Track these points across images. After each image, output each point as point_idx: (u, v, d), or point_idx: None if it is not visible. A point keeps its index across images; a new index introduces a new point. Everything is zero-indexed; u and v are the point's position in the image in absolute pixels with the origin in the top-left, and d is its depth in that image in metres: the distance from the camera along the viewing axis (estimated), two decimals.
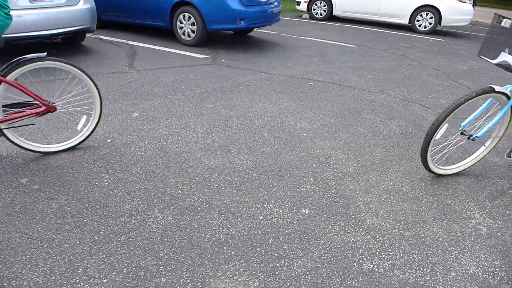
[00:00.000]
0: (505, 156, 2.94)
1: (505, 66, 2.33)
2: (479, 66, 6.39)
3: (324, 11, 10.66)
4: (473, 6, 9.65)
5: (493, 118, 2.46)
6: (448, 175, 2.69)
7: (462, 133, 2.50)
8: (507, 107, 2.42)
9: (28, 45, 5.32)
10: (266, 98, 3.97)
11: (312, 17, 10.91)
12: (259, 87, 4.35)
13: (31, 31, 4.25)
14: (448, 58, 6.83)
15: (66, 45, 5.53)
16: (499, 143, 2.67)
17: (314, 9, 10.82)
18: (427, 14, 9.48)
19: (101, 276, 1.65)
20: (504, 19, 2.29)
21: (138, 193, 2.24)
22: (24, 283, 1.59)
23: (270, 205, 2.22)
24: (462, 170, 2.72)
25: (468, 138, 2.50)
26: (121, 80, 4.21)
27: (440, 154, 2.78)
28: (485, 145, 2.71)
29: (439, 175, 2.66)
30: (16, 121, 2.41)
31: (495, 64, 2.36)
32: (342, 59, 6.04)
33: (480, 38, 9.94)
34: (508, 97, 2.40)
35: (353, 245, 1.95)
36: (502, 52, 2.32)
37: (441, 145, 2.85)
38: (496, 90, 2.35)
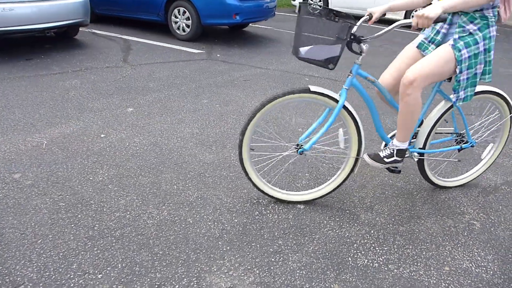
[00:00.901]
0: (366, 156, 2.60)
1: (307, 59, 1.90)
2: None
3: (320, 6, 10.64)
4: None
5: (322, 128, 2.01)
6: (303, 201, 2.20)
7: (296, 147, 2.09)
8: (335, 113, 1.97)
9: (20, 39, 5.25)
10: (262, 93, 3.96)
11: None
12: (255, 82, 4.33)
13: (23, 25, 4.19)
14: None
15: (59, 39, 5.47)
16: (357, 165, 2.15)
17: (310, 4, 10.80)
18: None
19: (96, 271, 1.64)
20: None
21: (133, 188, 2.23)
22: (18, 279, 1.57)
23: (266, 200, 2.22)
24: (322, 195, 2.20)
25: (297, 152, 2.06)
26: (115, 75, 4.18)
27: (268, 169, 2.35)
28: (342, 166, 2.21)
29: (289, 202, 2.19)
30: None
31: (300, 59, 1.92)
32: None
33: None
34: (337, 101, 1.98)
35: (348, 240, 1.96)
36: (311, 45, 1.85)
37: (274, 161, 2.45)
38: (312, 90, 1.93)
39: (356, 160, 2.13)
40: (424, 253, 1.92)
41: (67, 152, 2.55)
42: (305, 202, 2.21)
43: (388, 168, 2.19)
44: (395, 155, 2.10)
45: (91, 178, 2.29)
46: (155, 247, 1.80)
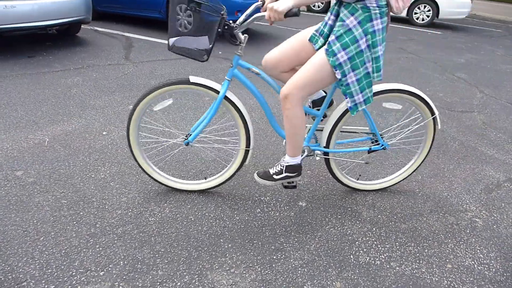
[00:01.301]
0: None
1: (179, 48, 1.78)
2: (476, 59, 6.39)
3: (322, 3, 10.60)
4: None
5: (205, 119, 1.99)
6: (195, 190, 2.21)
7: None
8: (216, 104, 1.91)
9: (22, 36, 5.26)
10: (264, 90, 3.95)
11: (309, 10, 10.85)
12: (256, 79, 4.31)
13: (25, 22, 4.19)
14: (445, 51, 6.82)
15: (61, 36, 5.47)
16: (248, 157, 2.09)
17: None
18: (425, 7, 9.45)
19: (98, 268, 1.65)
20: None
21: (135, 185, 2.24)
22: (21, 275, 1.58)
23: (267, 198, 2.22)
24: (214, 186, 2.19)
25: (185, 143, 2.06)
26: (117, 72, 4.18)
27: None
28: (233, 158, 2.16)
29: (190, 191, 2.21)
30: None
31: (171, 50, 1.81)
32: None
33: (478, 31, 9.94)
34: (218, 92, 1.92)
35: (350, 237, 1.96)
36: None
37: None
38: (192, 81, 1.88)
39: (246, 152, 2.06)
40: (426, 250, 1.91)
41: (69, 149, 2.56)
42: (199, 192, 2.21)
43: (282, 184, 2.07)
44: (284, 171, 1.99)
45: (93, 176, 2.30)
46: (157, 245, 1.81)
